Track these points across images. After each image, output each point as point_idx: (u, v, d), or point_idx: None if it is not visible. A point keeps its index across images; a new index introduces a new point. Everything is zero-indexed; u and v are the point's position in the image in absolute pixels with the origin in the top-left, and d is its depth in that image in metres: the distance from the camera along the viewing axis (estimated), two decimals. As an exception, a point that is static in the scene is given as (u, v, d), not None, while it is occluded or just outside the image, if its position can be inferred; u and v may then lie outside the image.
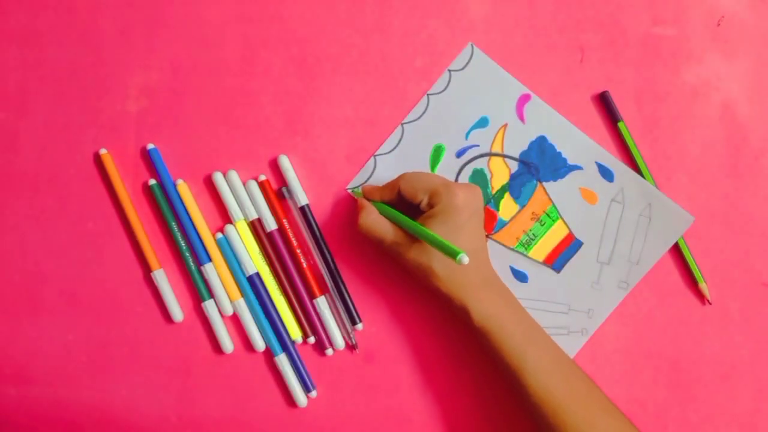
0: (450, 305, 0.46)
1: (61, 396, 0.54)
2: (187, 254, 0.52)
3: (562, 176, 0.51)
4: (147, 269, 0.53)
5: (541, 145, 0.51)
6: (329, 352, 0.52)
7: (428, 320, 0.52)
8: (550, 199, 0.51)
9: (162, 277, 0.52)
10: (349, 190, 0.52)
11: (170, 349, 0.53)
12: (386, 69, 0.52)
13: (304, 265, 0.52)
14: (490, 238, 0.52)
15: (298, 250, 0.52)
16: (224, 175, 0.52)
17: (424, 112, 0.52)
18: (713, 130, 0.51)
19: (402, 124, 0.52)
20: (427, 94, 0.52)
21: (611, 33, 0.51)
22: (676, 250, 0.51)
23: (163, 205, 0.52)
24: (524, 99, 0.51)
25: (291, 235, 0.52)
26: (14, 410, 0.54)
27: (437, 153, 0.52)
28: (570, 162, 0.51)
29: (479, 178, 0.52)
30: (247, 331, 0.52)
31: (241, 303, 0.52)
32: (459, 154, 0.52)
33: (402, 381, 0.52)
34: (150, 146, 0.53)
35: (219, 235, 0.52)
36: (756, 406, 0.50)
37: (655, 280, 0.51)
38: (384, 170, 0.52)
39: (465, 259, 0.38)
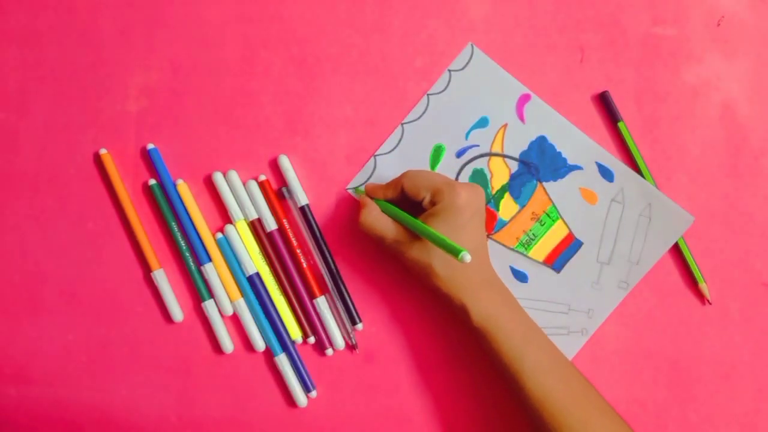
0: (449, 304, 0.46)
1: (61, 396, 0.54)
2: (187, 254, 0.52)
3: (562, 176, 0.51)
4: (147, 269, 0.53)
5: (541, 145, 0.51)
6: (329, 352, 0.52)
7: (428, 320, 0.52)
8: (550, 199, 0.51)
9: (162, 277, 0.52)
10: (350, 190, 0.52)
11: (170, 349, 0.53)
12: (386, 69, 0.52)
13: (304, 265, 0.52)
14: (490, 238, 0.52)
15: (298, 250, 0.52)
16: (224, 175, 0.52)
17: (424, 112, 0.52)
18: (713, 130, 0.51)
19: (402, 124, 0.52)
20: (427, 94, 0.52)
21: (611, 33, 0.51)
22: (676, 250, 0.51)
23: (163, 205, 0.52)
24: (524, 99, 0.51)
25: (291, 235, 0.52)
26: (14, 410, 0.54)
27: (437, 153, 0.52)
28: (570, 162, 0.51)
29: (479, 178, 0.52)
30: (247, 331, 0.52)
31: (241, 303, 0.52)
32: (459, 154, 0.52)
33: (402, 381, 0.52)
34: (150, 146, 0.53)
35: (219, 235, 0.52)
36: (756, 406, 0.50)
37: (655, 280, 0.51)
38: (384, 170, 0.52)
39: (467, 257, 0.38)
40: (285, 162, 0.52)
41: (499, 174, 0.52)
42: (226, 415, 0.53)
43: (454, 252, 0.39)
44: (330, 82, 0.52)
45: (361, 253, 0.52)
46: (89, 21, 0.54)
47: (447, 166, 0.52)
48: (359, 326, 0.52)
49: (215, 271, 0.52)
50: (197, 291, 0.52)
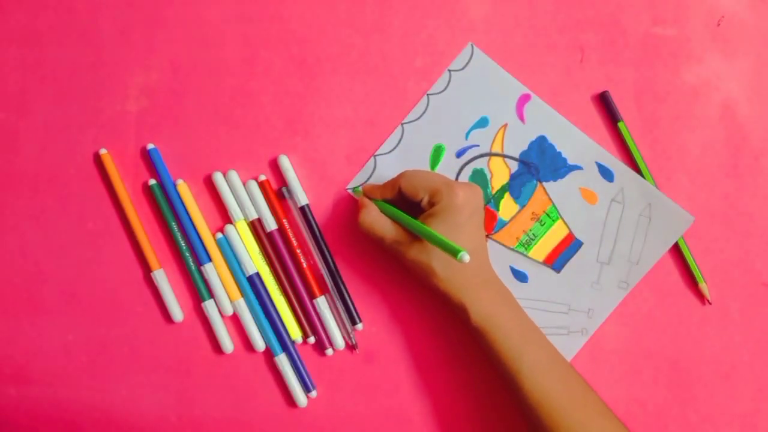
0: (449, 304, 0.46)
1: (61, 396, 0.54)
2: (187, 254, 0.52)
3: (562, 176, 0.51)
4: (147, 269, 0.53)
5: (541, 145, 0.51)
6: (329, 352, 0.52)
7: (428, 320, 0.52)
8: (550, 199, 0.51)
9: (162, 277, 0.52)
10: (349, 190, 0.52)
11: (170, 349, 0.53)
12: (386, 69, 0.52)
13: (304, 265, 0.52)
14: (490, 238, 0.52)
15: (298, 250, 0.52)
16: (224, 175, 0.52)
17: (424, 112, 0.52)
18: (713, 130, 0.51)
19: (402, 124, 0.52)
20: (427, 94, 0.52)
21: (611, 33, 0.51)
22: (676, 250, 0.51)
23: (163, 205, 0.52)
24: (524, 99, 0.51)
25: (291, 235, 0.52)
26: (14, 410, 0.54)
27: (437, 153, 0.52)
28: (570, 162, 0.51)
29: (479, 178, 0.52)
30: (247, 331, 0.52)
31: (241, 303, 0.52)
32: (459, 154, 0.52)
33: (402, 381, 0.52)
34: (150, 146, 0.53)
35: (219, 235, 0.52)
36: (756, 406, 0.50)
37: (655, 280, 0.51)
38: (384, 170, 0.52)
39: (466, 257, 0.38)
40: (285, 162, 0.52)
41: (499, 174, 0.52)
42: (226, 415, 0.53)
43: (453, 252, 0.39)
44: (330, 82, 0.52)
45: (361, 253, 0.52)
46: (89, 21, 0.54)
47: (447, 166, 0.52)
48: (359, 326, 0.52)
49: (215, 271, 0.52)
50: (197, 291, 0.52)
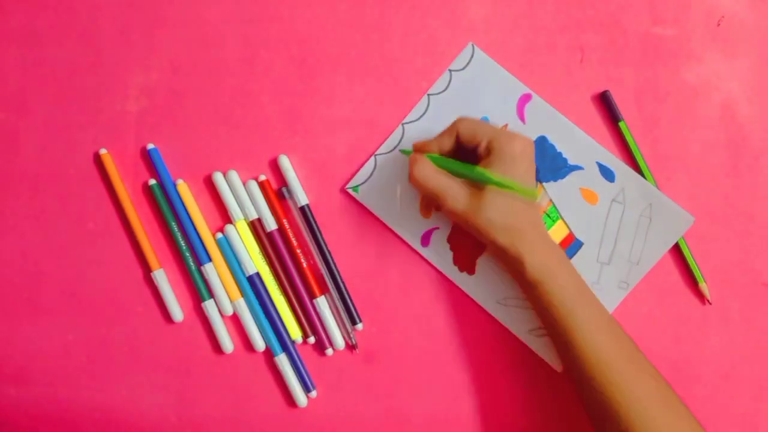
0: (503, 256, 0.45)
1: (61, 396, 0.54)
2: (187, 254, 0.52)
3: (563, 176, 0.51)
4: (147, 269, 0.53)
5: (541, 145, 0.51)
6: (329, 352, 0.52)
7: (428, 320, 0.52)
8: (551, 199, 0.51)
9: (162, 277, 0.52)
10: (383, 156, 0.51)
11: (170, 349, 0.53)
12: (386, 69, 0.52)
13: (304, 265, 0.52)
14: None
15: (298, 250, 0.52)
16: (224, 175, 0.52)
17: (424, 113, 0.52)
18: (713, 130, 0.51)
19: (402, 124, 0.52)
20: (428, 94, 0.52)
21: (611, 33, 0.51)
22: (676, 250, 0.51)
23: (163, 205, 0.52)
24: (525, 99, 0.51)
25: (291, 235, 0.52)
26: (14, 410, 0.54)
27: (437, 153, 0.52)
28: (570, 162, 0.51)
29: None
30: (247, 331, 0.52)
31: (241, 303, 0.52)
32: (459, 154, 0.52)
33: (402, 381, 0.52)
34: (150, 146, 0.53)
35: (219, 235, 0.52)
36: (756, 406, 0.50)
37: (655, 280, 0.51)
38: (385, 170, 0.52)
39: (541, 199, 0.38)
40: (285, 162, 0.52)
41: (500, 174, 0.52)
42: (226, 415, 0.53)
43: (528, 194, 0.38)
44: (330, 82, 0.52)
45: (361, 253, 0.52)
46: (89, 21, 0.54)
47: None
48: (359, 326, 0.52)
49: (215, 271, 0.52)
50: (197, 291, 0.52)
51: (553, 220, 0.51)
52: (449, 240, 0.52)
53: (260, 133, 0.53)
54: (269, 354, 0.53)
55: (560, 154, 0.51)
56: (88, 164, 0.54)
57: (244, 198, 0.52)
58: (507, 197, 0.44)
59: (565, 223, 0.51)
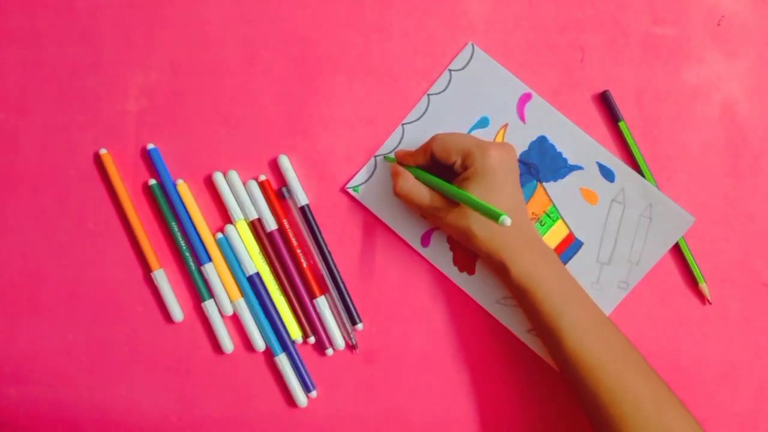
0: (489, 263, 0.46)
1: (61, 396, 0.54)
2: (187, 254, 0.52)
3: (563, 176, 0.51)
4: (147, 269, 0.53)
5: (541, 145, 0.51)
6: (329, 352, 0.52)
7: (428, 320, 0.52)
8: (551, 199, 0.51)
9: (162, 277, 0.52)
10: (380, 157, 0.52)
11: (170, 349, 0.53)
12: (386, 69, 0.52)
13: (304, 265, 0.52)
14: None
15: (298, 250, 0.52)
16: (224, 175, 0.52)
17: (424, 113, 0.52)
18: (713, 130, 0.51)
19: (402, 125, 0.52)
20: (428, 94, 0.52)
21: (611, 33, 0.51)
22: (676, 250, 0.51)
23: (163, 205, 0.52)
24: (525, 98, 0.51)
25: (291, 235, 0.52)
26: (14, 410, 0.54)
27: (437, 153, 0.52)
28: (571, 162, 0.51)
29: (479, 178, 0.52)
30: (247, 331, 0.52)
31: (241, 303, 0.52)
32: (459, 154, 0.52)
33: (402, 381, 0.52)
34: (150, 146, 0.53)
35: (219, 235, 0.52)
36: (756, 406, 0.50)
37: (655, 281, 0.51)
38: (385, 170, 0.52)
39: (507, 221, 0.38)
40: (285, 162, 0.52)
41: (500, 174, 0.52)
42: (226, 415, 0.53)
43: (494, 216, 0.39)
44: (330, 82, 0.52)
45: (361, 253, 0.52)
46: (89, 21, 0.54)
47: (447, 166, 0.52)
48: (359, 326, 0.52)
49: (215, 271, 0.52)
50: (197, 291, 0.52)
51: (553, 220, 0.51)
52: (449, 240, 0.52)
53: (260, 133, 0.53)
54: (269, 354, 0.53)
55: (560, 154, 0.51)
56: (88, 164, 0.54)
57: (244, 198, 0.52)
58: None
59: (565, 223, 0.51)
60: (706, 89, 0.51)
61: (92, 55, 0.54)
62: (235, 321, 0.53)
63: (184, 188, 0.52)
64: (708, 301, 0.50)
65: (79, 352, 0.54)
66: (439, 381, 0.52)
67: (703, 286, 0.50)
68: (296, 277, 0.52)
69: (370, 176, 0.52)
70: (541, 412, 0.51)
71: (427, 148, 0.47)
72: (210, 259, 0.52)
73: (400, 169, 0.48)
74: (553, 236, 0.51)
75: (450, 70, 0.52)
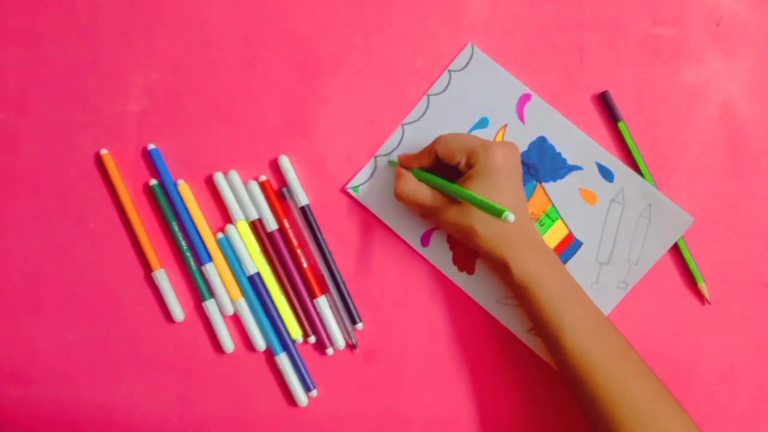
0: (491, 262, 0.47)
1: (61, 396, 0.54)
2: (188, 254, 0.52)
3: (562, 176, 0.51)
4: (148, 269, 0.53)
5: (541, 145, 0.51)
6: (329, 351, 0.52)
7: (428, 320, 0.52)
8: (550, 199, 0.51)
9: (163, 277, 0.52)
10: (380, 158, 0.52)
11: (171, 348, 0.53)
12: (386, 69, 0.52)
13: (305, 264, 0.52)
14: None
15: (299, 250, 0.52)
16: (225, 175, 0.52)
17: (424, 113, 0.52)
18: (713, 130, 0.51)
19: (402, 125, 0.52)
20: (427, 95, 0.52)
21: (611, 33, 0.51)
22: (675, 250, 0.51)
23: (164, 205, 0.52)
24: (525, 99, 0.51)
25: (291, 235, 0.52)
26: (14, 410, 0.54)
27: (437, 153, 0.52)
28: (570, 162, 0.51)
29: (479, 178, 0.52)
30: (248, 330, 0.52)
31: (242, 302, 0.52)
32: (459, 154, 0.52)
33: (402, 381, 0.52)
34: (151, 146, 0.53)
35: (220, 234, 0.52)
36: (756, 406, 0.50)
37: (654, 280, 0.51)
38: (385, 170, 0.52)
39: (511, 216, 0.38)
40: (285, 162, 0.52)
41: (499, 174, 0.52)
42: (227, 415, 0.53)
43: (497, 213, 0.39)
44: (330, 82, 0.52)
45: (361, 253, 0.52)
46: (89, 21, 0.54)
47: (447, 166, 0.52)
48: (359, 326, 0.52)
49: (216, 271, 0.52)
50: (198, 291, 0.52)
51: (553, 220, 0.51)
52: (449, 240, 0.52)
53: (260, 133, 0.53)
54: (270, 353, 0.53)
55: (560, 154, 0.51)
56: (89, 164, 0.54)
57: (245, 198, 0.52)
58: None
59: (565, 223, 0.51)
60: (706, 89, 0.51)
61: (92, 55, 0.54)
62: (236, 321, 0.53)
63: (184, 188, 0.52)
64: (707, 301, 0.50)
65: (79, 352, 0.54)
66: (439, 381, 0.52)
67: (702, 286, 0.50)
68: (296, 276, 0.52)
69: (370, 176, 0.52)
70: (541, 412, 0.51)
71: (430, 149, 0.48)
72: (211, 259, 0.52)
73: (402, 170, 0.48)
74: (553, 236, 0.51)
75: (450, 71, 0.52)
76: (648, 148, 0.51)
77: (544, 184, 0.51)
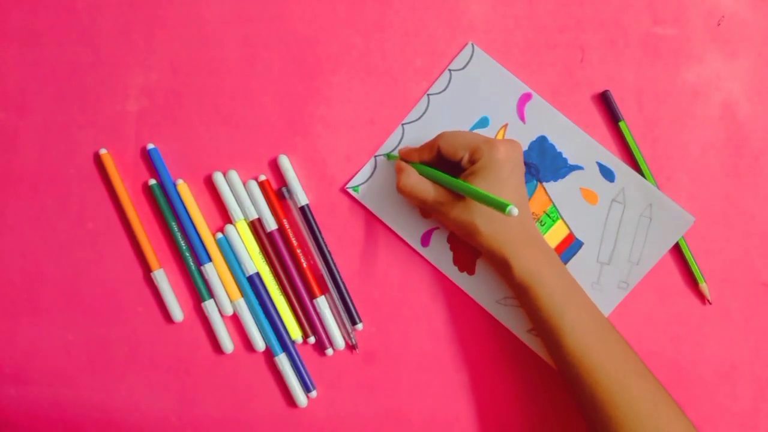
0: (492, 260, 0.46)
1: (61, 396, 0.54)
2: (188, 254, 0.52)
3: (563, 176, 0.51)
4: (147, 269, 0.53)
5: (541, 145, 0.51)
6: (329, 352, 0.52)
7: (428, 320, 0.52)
8: (551, 199, 0.51)
9: (162, 277, 0.52)
10: (381, 156, 0.52)
11: (170, 349, 0.53)
12: (386, 69, 0.52)
13: (304, 265, 0.52)
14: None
15: (298, 250, 0.52)
16: (224, 175, 0.52)
17: (424, 113, 0.52)
18: (713, 130, 0.51)
19: (402, 125, 0.52)
20: (428, 94, 0.52)
21: (611, 33, 0.51)
22: (676, 250, 0.51)
23: (163, 205, 0.52)
24: (525, 98, 0.51)
25: (291, 235, 0.52)
26: (14, 410, 0.54)
27: (437, 153, 0.52)
28: (571, 162, 0.51)
29: (479, 178, 0.52)
30: (247, 331, 0.52)
31: (241, 303, 0.52)
32: (459, 154, 0.52)
33: (402, 381, 0.52)
34: (150, 146, 0.53)
35: (219, 235, 0.52)
36: (756, 406, 0.50)
37: (655, 280, 0.51)
38: (385, 170, 0.52)
39: (515, 210, 0.38)
40: (285, 162, 0.52)
41: (500, 174, 0.52)
42: (226, 415, 0.53)
43: (501, 207, 0.39)
44: (330, 82, 0.52)
45: (361, 253, 0.52)
46: (89, 21, 0.54)
47: (447, 166, 0.52)
48: (359, 326, 0.52)
49: (215, 271, 0.52)
50: (197, 291, 0.52)
51: (553, 220, 0.51)
52: (449, 240, 0.52)
53: (260, 133, 0.53)
54: (269, 354, 0.53)
55: (560, 154, 0.51)
56: (88, 164, 0.54)
57: (244, 198, 0.52)
58: None
59: (565, 223, 0.51)
60: (706, 89, 0.51)
61: (92, 55, 0.54)
62: (235, 321, 0.53)
63: (184, 188, 0.52)
64: (708, 301, 0.50)
65: (79, 352, 0.54)
66: (439, 381, 0.52)
67: (704, 286, 0.50)
68: (296, 277, 0.52)
69: (370, 176, 0.52)
70: (541, 412, 0.51)
71: (433, 144, 0.48)
72: (210, 259, 0.52)
73: (403, 164, 0.48)
74: (553, 236, 0.51)
75: (450, 70, 0.52)
76: (648, 148, 0.51)
77: (544, 183, 0.51)
